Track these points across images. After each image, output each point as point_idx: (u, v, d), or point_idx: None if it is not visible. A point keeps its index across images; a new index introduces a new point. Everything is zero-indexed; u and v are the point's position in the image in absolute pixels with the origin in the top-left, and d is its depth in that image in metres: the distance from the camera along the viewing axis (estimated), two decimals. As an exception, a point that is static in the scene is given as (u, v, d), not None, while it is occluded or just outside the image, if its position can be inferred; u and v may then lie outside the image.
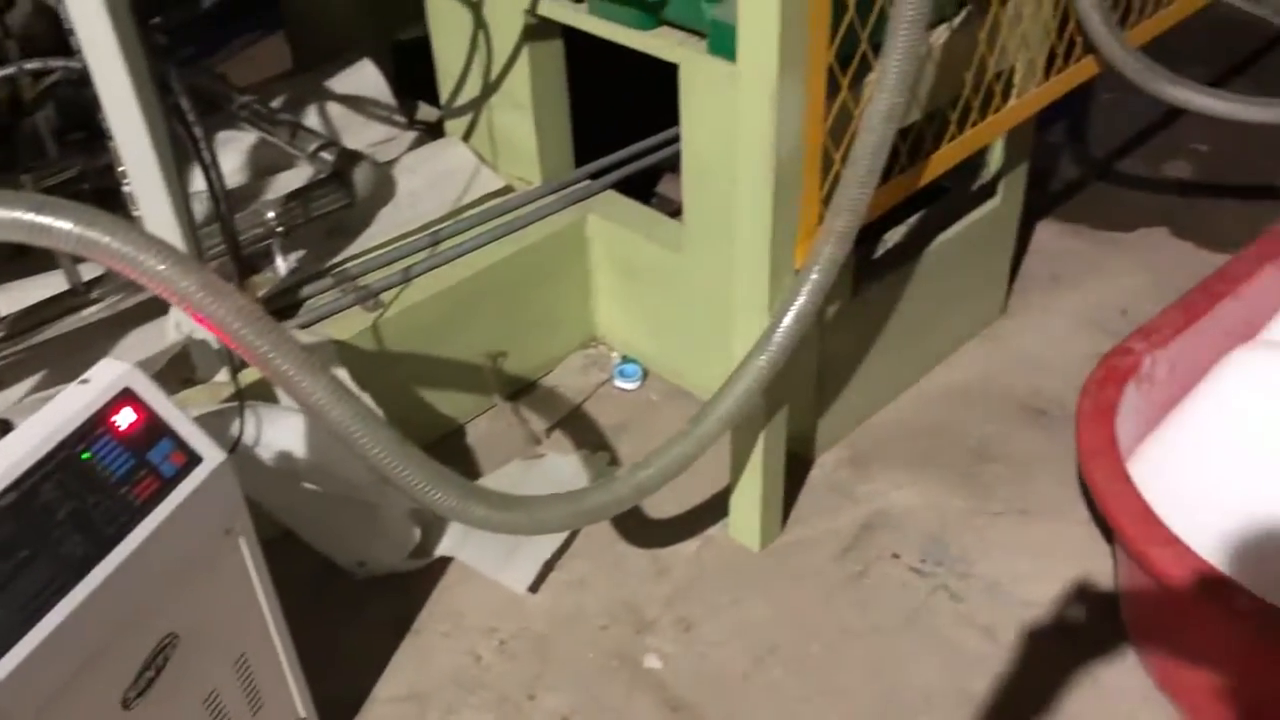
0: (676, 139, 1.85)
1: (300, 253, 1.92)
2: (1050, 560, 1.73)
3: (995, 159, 2.01)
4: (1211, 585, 1.26)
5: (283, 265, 1.86)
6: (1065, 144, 2.73)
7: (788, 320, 1.47)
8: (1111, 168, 2.65)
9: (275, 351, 1.06)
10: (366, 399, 1.66)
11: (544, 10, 1.87)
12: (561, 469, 1.89)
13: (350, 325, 1.80)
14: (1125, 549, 1.39)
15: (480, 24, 2.01)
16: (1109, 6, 1.79)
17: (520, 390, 2.07)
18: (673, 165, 2.04)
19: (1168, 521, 1.35)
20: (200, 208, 1.65)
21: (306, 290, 1.86)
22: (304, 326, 1.76)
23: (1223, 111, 1.87)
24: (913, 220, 1.97)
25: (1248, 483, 1.58)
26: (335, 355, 1.68)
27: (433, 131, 2.29)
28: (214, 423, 1.48)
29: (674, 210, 2.09)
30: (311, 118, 2.24)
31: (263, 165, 2.12)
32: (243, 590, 1.25)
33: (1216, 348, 1.67)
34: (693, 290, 1.93)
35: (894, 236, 1.95)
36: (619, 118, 2.23)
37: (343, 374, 1.63)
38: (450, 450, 1.96)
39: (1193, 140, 2.69)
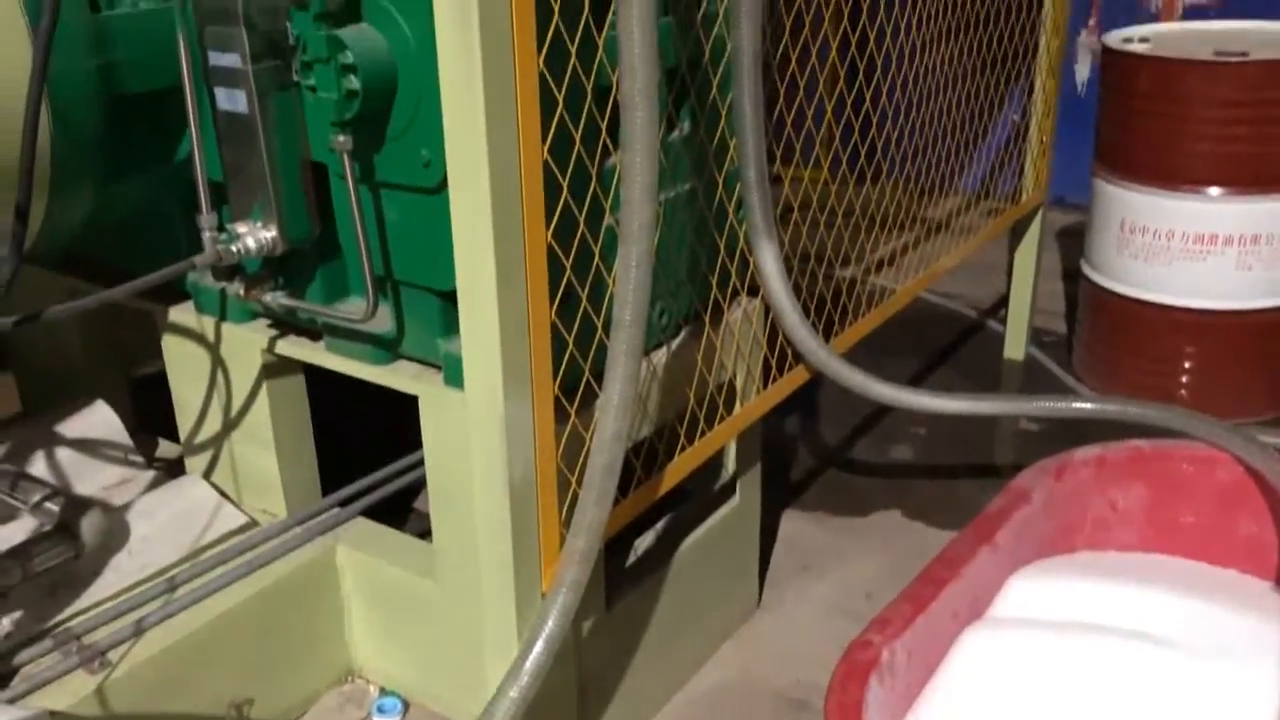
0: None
1: (17, 614, 1.78)
2: None
3: (730, 460, 2.12)
4: None
5: (-5, 630, 1.72)
6: (799, 435, 2.92)
7: (538, 648, 1.46)
8: (844, 455, 2.85)
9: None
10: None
11: (282, 349, 1.89)
12: (314, 826, 1.76)
13: (72, 691, 1.66)
14: None
15: (218, 362, 2.01)
16: (811, 322, 1.97)
17: (269, 739, 1.94)
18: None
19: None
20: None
21: (23, 656, 1.71)
22: (15, 699, 1.61)
23: (922, 406, 2.07)
24: (660, 526, 2.03)
25: (996, 760, 1.63)
26: (50, 729, 1.54)
27: (173, 469, 2.22)
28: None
29: (430, 528, 2.08)
30: (40, 464, 2.14)
31: (-21, 519, 1.98)
32: None
33: (948, 630, 1.76)
34: (447, 616, 1.89)
35: (643, 543, 2.00)
36: (368, 439, 2.24)
37: (58, 750, 1.49)
38: (189, 817, 1.79)
39: (912, 425, 2.94)
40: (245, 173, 1.68)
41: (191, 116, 1.65)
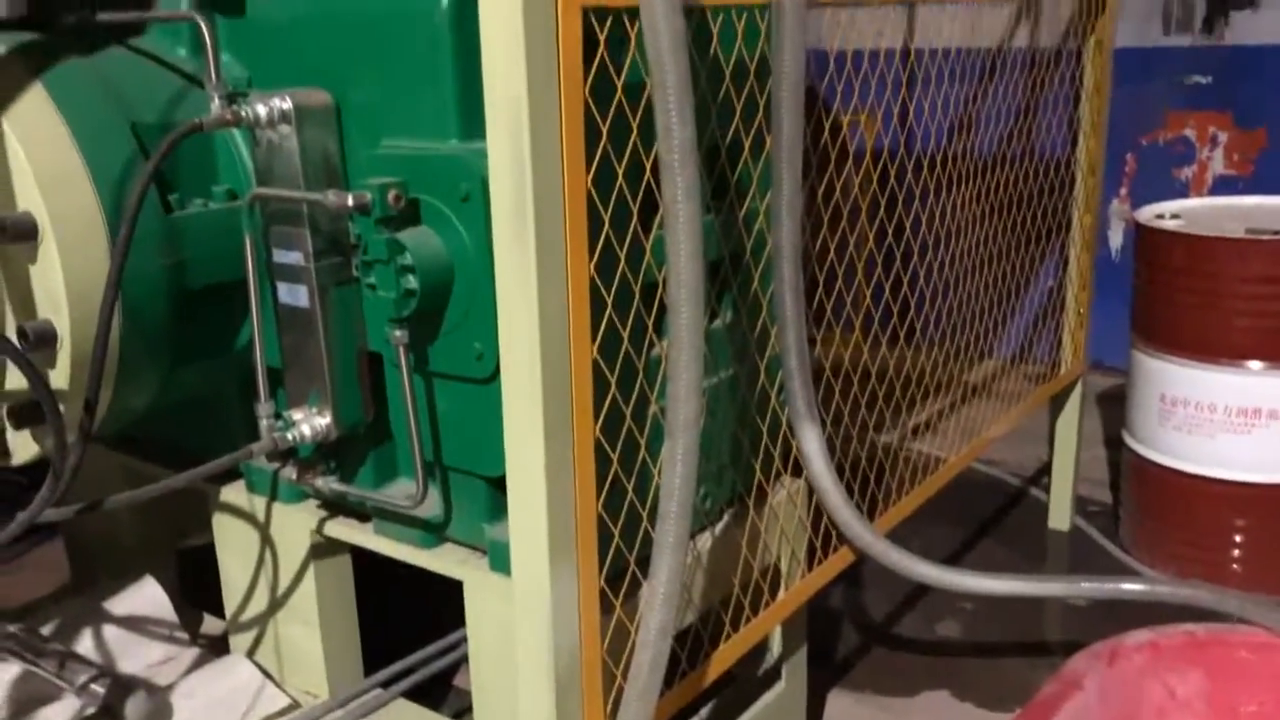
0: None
1: (58, 799, 1.77)
2: None
3: (776, 644, 2.09)
4: None
5: (35, 818, 1.71)
6: (844, 609, 2.89)
7: None
8: (890, 630, 2.80)
9: None
10: None
11: (331, 531, 1.92)
12: None
13: None
14: None
15: (267, 541, 2.03)
16: (855, 502, 1.98)
17: None
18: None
19: None
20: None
21: (61, 845, 1.69)
22: None
23: (968, 587, 2.05)
24: (704, 713, 1.99)
25: None
26: None
27: (217, 646, 2.22)
28: None
29: (469, 705, 2.06)
30: (87, 641, 2.16)
31: (25, 699, 1.99)
32: None
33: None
34: (488, 805, 1.86)
35: (688, 730, 1.97)
36: (411, 616, 2.24)
37: None
38: None
39: (958, 600, 2.89)
40: (303, 361, 1.74)
41: (254, 309, 1.72)
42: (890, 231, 2.12)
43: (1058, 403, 3.21)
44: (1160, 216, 2.94)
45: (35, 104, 1.54)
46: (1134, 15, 4.12)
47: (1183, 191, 4.24)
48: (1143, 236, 2.89)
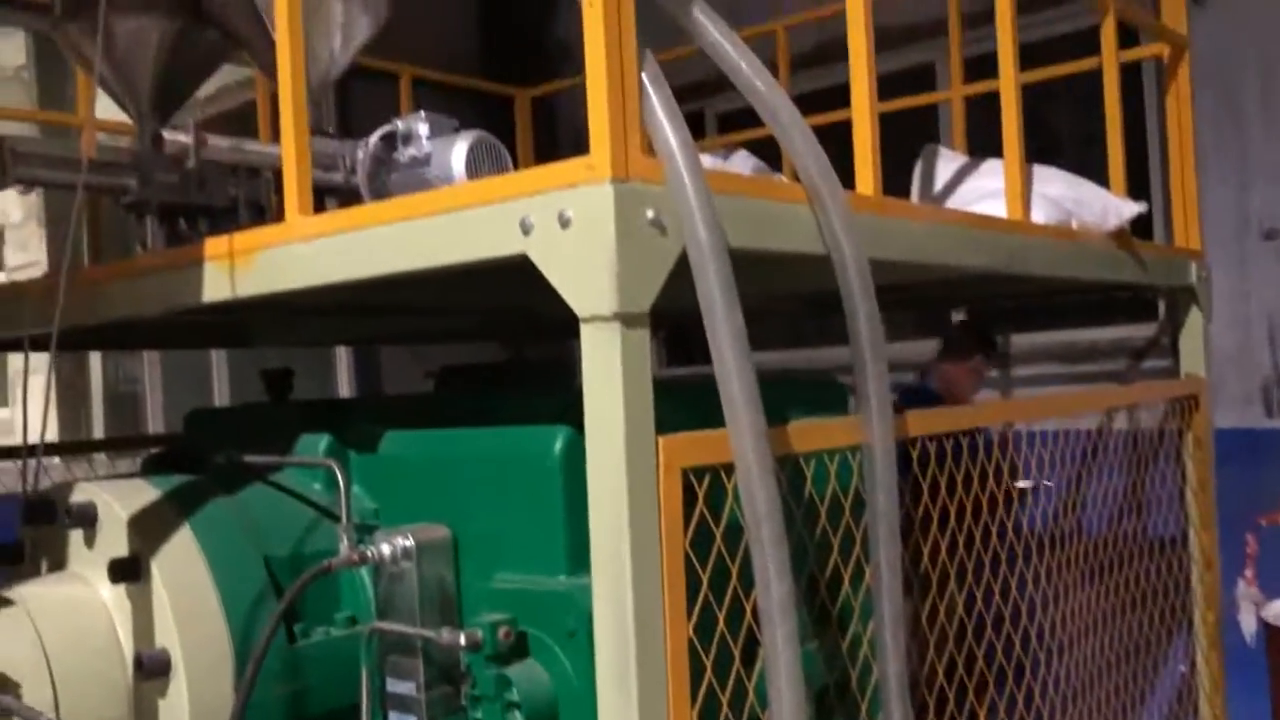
0: None
1: None
2: None
3: None
4: None
5: None
6: None
7: None
8: None
9: None
10: None
11: None
12: None
13: None
14: None
15: None
16: None
17: None
18: None
19: None
20: None
21: None
22: None
23: None
24: None
25: None
26: None
27: None
28: None
29: None
30: None
31: None
32: None
33: None
34: None
35: None
36: None
37: None
38: None
39: None
40: (406, 792, 1.74)
41: (366, 738, 1.75)
42: (999, 650, 2.09)
43: (1206, 815, 2.95)
44: (1290, 614, 2.82)
45: (182, 547, 1.68)
46: (1233, 400, 4.16)
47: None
48: (1274, 638, 2.77)
